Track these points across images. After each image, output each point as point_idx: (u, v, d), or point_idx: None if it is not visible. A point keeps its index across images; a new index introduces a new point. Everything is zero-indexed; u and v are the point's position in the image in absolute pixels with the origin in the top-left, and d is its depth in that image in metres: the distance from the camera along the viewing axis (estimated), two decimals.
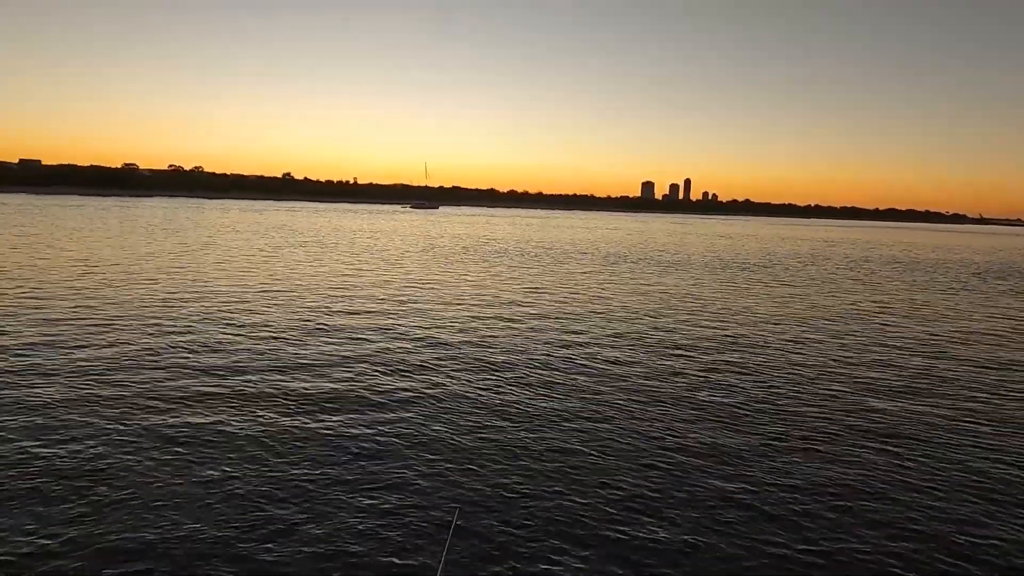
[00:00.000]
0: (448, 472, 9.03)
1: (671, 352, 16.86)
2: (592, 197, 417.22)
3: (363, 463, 9.19)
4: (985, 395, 14.01)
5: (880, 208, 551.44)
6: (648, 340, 18.23)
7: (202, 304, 21.06)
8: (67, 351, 14.50)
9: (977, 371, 16.22)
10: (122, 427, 10.17)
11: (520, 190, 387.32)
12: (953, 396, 13.85)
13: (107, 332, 16.61)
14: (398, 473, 8.92)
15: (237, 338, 16.45)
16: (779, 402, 12.86)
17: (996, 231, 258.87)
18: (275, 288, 25.26)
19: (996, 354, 18.36)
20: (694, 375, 14.63)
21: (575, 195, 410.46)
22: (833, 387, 14.14)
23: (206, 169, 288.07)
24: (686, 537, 7.53)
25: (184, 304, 20.93)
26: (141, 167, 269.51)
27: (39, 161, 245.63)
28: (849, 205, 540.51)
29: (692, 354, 16.72)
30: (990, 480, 9.49)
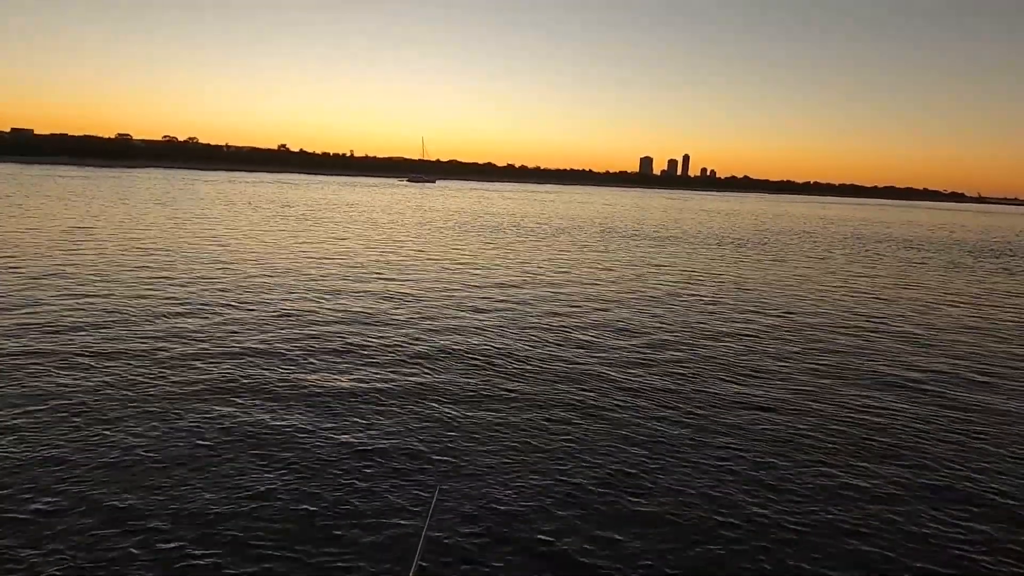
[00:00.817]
0: (428, 450, 8.97)
1: (659, 328, 16.77)
2: (590, 172, 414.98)
3: (342, 438, 9.12)
4: (975, 385, 14.01)
5: (879, 186, 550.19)
6: (636, 316, 18.14)
7: (183, 278, 20.90)
8: (48, 327, 14.35)
9: (967, 357, 16.21)
10: (86, 410, 10.07)
11: (518, 164, 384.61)
12: (940, 382, 13.83)
13: (93, 310, 16.46)
14: (378, 449, 8.85)
15: (217, 316, 16.33)
16: (759, 383, 12.81)
17: (994, 210, 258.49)
18: (261, 262, 25.05)
19: (983, 334, 18.34)
20: (681, 352, 14.56)
21: (573, 170, 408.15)
22: (812, 368, 14.09)
23: (201, 140, 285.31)
24: (665, 511, 7.50)
25: (167, 278, 20.76)
26: (135, 137, 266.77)
27: (31, 130, 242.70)
28: (848, 182, 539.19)
29: (680, 332, 16.63)
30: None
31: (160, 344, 13.09)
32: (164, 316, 15.42)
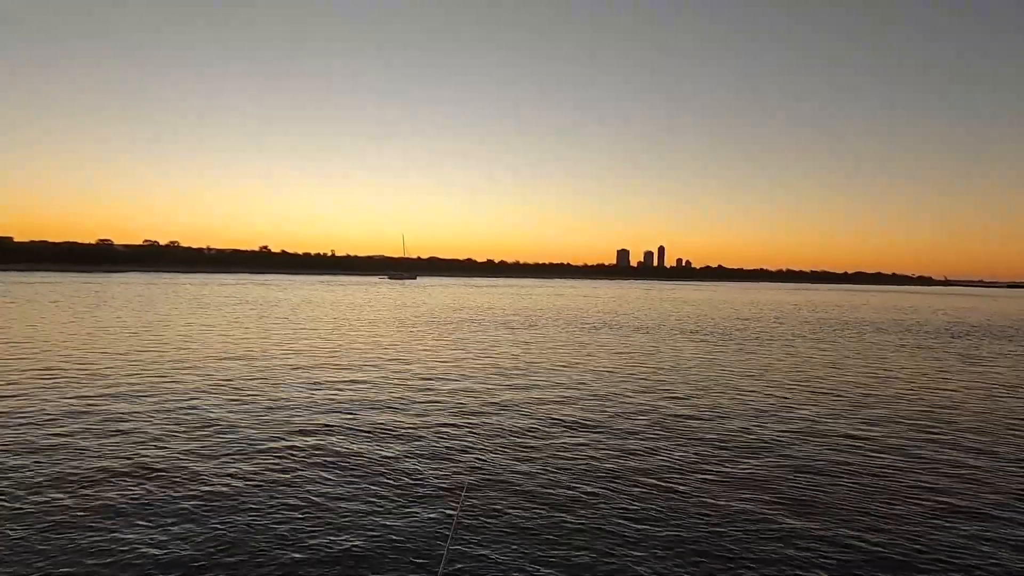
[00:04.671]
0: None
1: (626, 412, 17.25)
2: (568, 265, 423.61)
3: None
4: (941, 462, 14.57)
5: (848, 271, 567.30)
6: (606, 402, 18.64)
7: (137, 383, 21.13)
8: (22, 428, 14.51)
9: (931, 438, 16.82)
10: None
11: (497, 259, 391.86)
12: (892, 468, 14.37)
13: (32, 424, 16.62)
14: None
15: (185, 421, 16.57)
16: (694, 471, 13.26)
17: (960, 292, 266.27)
18: (230, 365, 25.35)
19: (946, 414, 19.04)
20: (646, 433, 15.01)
21: (551, 263, 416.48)
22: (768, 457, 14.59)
23: (182, 243, 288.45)
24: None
25: (115, 387, 20.98)
26: (116, 243, 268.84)
27: (11, 238, 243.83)
28: (819, 269, 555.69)
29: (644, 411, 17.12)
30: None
31: (120, 460, 13.29)
32: (117, 427, 15.62)
